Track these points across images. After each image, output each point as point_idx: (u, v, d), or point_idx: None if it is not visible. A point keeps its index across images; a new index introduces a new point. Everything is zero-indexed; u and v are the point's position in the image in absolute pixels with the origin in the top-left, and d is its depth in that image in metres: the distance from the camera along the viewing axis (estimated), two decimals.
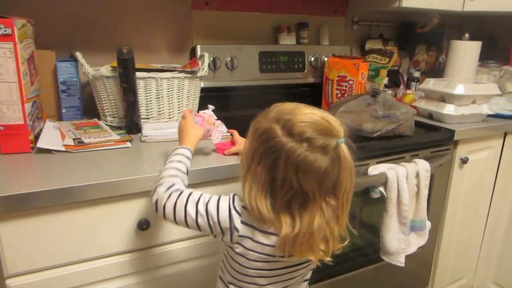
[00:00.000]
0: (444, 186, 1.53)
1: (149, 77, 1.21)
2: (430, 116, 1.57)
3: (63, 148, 1.01)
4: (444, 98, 1.51)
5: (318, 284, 1.30)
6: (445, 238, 1.63)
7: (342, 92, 1.64)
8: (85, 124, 1.22)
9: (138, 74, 1.19)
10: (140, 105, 1.23)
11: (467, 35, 1.89)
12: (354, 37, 1.94)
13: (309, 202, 0.69)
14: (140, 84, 1.21)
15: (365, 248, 1.41)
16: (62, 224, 0.85)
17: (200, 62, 1.37)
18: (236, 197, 0.77)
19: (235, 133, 1.09)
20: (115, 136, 1.13)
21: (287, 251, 0.71)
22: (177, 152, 0.86)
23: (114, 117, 1.26)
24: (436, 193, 1.49)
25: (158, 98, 1.25)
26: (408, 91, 1.86)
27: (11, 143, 0.99)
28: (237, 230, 0.74)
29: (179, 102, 1.29)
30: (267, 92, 1.67)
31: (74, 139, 1.07)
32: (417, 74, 2.03)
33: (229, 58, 1.54)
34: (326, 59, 1.71)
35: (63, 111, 1.25)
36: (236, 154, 1.03)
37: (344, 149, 0.69)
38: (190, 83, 1.30)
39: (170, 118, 1.29)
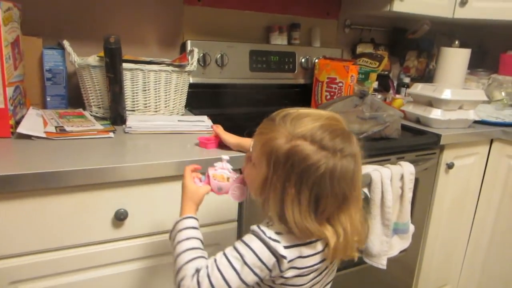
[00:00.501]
0: (429, 191, 1.53)
1: (136, 69, 1.20)
2: (418, 120, 1.58)
3: (43, 135, 0.99)
4: (431, 102, 1.52)
5: None
6: (429, 243, 1.63)
7: (332, 94, 1.64)
8: (69, 113, 1.21)
9: (125, 65, 1.18)
10: (126, 97, 1.22)
11: (457, 42, 1.91)
12: (345, 40, 1.95)
13: (344, 205, 0.70)
14: (127, 76, 1.20)
15: None
16: (38, 210, 0.84)
17: (189, 57, 1.36)
18: (262, 228, 0.69)
19: (219, 127, 1.08)
20: (98, 126, 1.12)
21: (333, 257, 0.72)
22: (179, 228, 0.74)
23: (99, 107, 1.25)
24: (421, 197, 1.49)
25: (145, 90, 1.24)
26: (397, 96, 1.87)
27: None
28: (285, 258, 0.68)
29: (166, 95, 1.28)
30: (257, 91, 1.67)
31: (56, 127, 1.06)
32: (407, 80, 2.04)
33: (219, 55, 1.54)
34: (316, 60, 1.72)
35: (48, 99, 1.24)
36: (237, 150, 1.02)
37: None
38: (178, 77, 1.29)
39: (156, 111, 1.28)
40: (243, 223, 1.10)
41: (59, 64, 1.23)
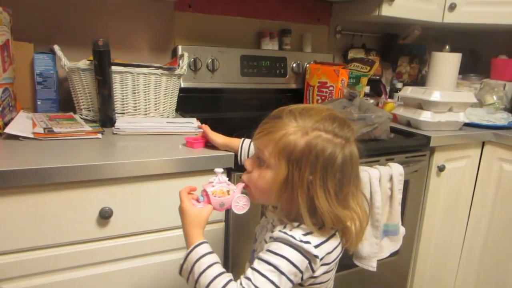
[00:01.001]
0: (421, 194, 1.53)
1: (125, 72, 1.22)
2: (408, 123, 1.59)
3: (31, 135, 1.00)
4: (421, 105, 1.52)
5: None
6: (423, 247, 1.62)
7: (323, 98, 1.66)
8: (59, 116, 1.22)
9: (114, 68, 1.19)
10: (115, 100, 1.23)
11: (447, 47, 1.93)
12: (337, 46, 1.97)
13: (355, 188, 0.73)
14: (116, 79, 1.22)
15: None
16: (20, 207, 0.84)
17: (180, 61, 1.38)
18: (290, 232, 0.68)
19: (207, 127, 1.08)
20: (87, 127, 1.13)
21: (356, 242, 0.74)
22: (195, 258, 0.69)
23: (89, 110, 1.27)
24: (413, 200, 1.49)
25: (134, 93, 1.25)
26: (389, 100, 1.88)
27: None
28: (317, 257, 0.68)
29: (156, 99, 1.30)
30: (248, 95, 1.68)
31: (44, 128, 1.07)
32: (400, 86, 2.05)
33: (210, 59, 1.55)
34: (307, 65, 1.74)
35: (38, 103, 1.25)
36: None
37: None
38: (168, 81, 1.30)
39: (146, 114, 1.29)
40: (231, 224, 1.10)
41: (49, 68, 1.25)
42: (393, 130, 1.43)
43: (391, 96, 2.04)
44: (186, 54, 1.40)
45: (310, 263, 0.68)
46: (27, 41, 1.25)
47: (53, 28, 1.37)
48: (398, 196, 1.30)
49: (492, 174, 1.63)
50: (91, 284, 0.95)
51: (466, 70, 1.97)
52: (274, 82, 1.73)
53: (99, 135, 1.09)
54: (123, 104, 1.25)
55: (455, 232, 1.72)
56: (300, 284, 0.71)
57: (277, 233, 0.69)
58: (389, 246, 1.33)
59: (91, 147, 1.01)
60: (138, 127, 1.16)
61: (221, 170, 0.77)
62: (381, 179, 1.25)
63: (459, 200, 1.66)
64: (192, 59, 1.51)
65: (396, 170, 1.29)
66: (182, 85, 1.47)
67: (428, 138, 1.43)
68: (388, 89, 2.08)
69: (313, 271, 0.69)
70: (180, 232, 0.75)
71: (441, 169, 1.52)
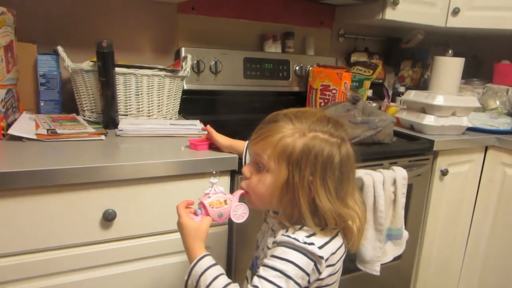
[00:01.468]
0: (424, 198, 1.53)
1: (129, 73, 1.21)
2: (412, 127, 1.58)
3: (34, 137, 1.00)
4: (424, 109, 1.52)
5: None
6: (426, 251, 1.61)
7: (326, 101, 1.65)
8: (62, 117, 1.22)
9: (118, 69, 1.19)
10: (119, 101, 1.23)
11: (450, 51, 1.93)
12: (339, 49, 1.97)
13: (350, 186, 0.73)
14: (120, 80, 1.21)
15: None
16: (23, 209, 0.84)
17: (183, 63, 1.38)
18: (293, 236, 0.68)
19: (211, 129, 1.07)
20: (90, 129, 1.12)
21: (358, 241, 0.75)
22: (200, 272, 0.69)
23: (93, 112, 1.26)
24: (416, 204, 1.48)
25: (138, 95, 1.25)
26: (392, 104, 1.88)
27: None
28: (322, 258, 0.68)
29: (159, 100, 1.29)
30: (251, 98, 1.68)
31: (48, 130, 1.06)
32: (402, 89, 2.05)
33: (213, 62, 1.55)
34: (310, 68, 1.73)
35: (41, 104, 1.25)
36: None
37: None
38: (171, 82, 1.30)
39: (149, 116, 1.29)
40: (234, 226, 1.10)
41: (53, 70, 1.25)
42: (396, 133, 1.42)
43: (393, 100, 2.03)
44: (189, 56, 1.40)
45: (315, 264, 0.68)
46: (30, 42, 1.24)
47: (57, 29, 1.37)
48: (402, 200, 1.30)
49: (495, 179, 1.63)
50: (95, 286, 0.95)
51: (469, 75, 1.97)
52: (277, 85, 1.73)
53: (102, 137, 1.09)
54: (126, 106, 1.25)
55: (457, 237, 1.71)
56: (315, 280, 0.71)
57: (280, 237, 0.69)
58: (393, 250, 1.33)
59: (94, 149, 1.00)
60: (141, 129, 1.15)
61: (216, 180, 0.76)
62: (384, 183, 1.24)
63: (462, 204, 1.66)
64: (195, 61, 1.51)
65: (399, 174, 1.28)
66: (185, 87, 1.47)
67: (431, 142, 1.43)
68: (390, 92, 2.08)
69: (319, 272, 0.69)
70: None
71: (444, 173, 1.52)
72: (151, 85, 1.26)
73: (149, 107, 1.28)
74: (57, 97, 1.27)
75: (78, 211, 0.89)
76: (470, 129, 1.59)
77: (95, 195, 0.90)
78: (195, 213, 0.76)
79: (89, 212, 0.90)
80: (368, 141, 1.32)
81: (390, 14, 1.61)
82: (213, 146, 1.05)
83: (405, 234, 1.35)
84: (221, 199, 0.76)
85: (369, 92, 1.83)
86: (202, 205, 0.75)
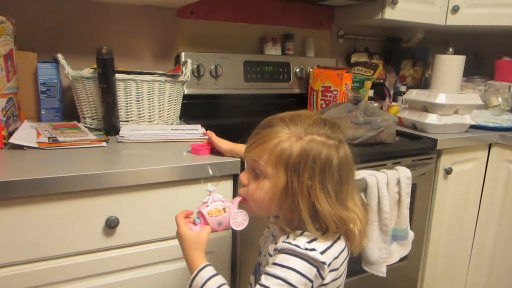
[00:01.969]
0: (428, 197, 1.51)
1: (129, 79, 1.21)
2: (414, 126, 1.57)
3: (36, 145, 1.00)
4: (426, 108, 1.51)
5: None
6: (431, 251, 1.60)
7: (327, 102, 1.65)
8: (63, 125, 1.22)
9: (118, 76, 1.19)
10: (120, 108, 1.22)
11: (451, 49, 1.93)
12: (339, 50, 1.97)
13: (350, 188, 0.72)
14: (120, 86, 1.21)
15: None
16: (26, 218, 0.83)
17: (183, 68, 1.38)
18: (294, 242, 0.67)
19: (212, 134, 1.07)
20: (91, 136, 1.12)
21: (360, 243, 0.74)
22: (201, 283, 0.69)
23: (93, 119, 1.26)
24: (420, 204, 1.47)
25: (138, 101, 1.25)
26: (393, 103, 1.87)
27: None
28: (325, 263, 0.67)
29: (160, 106, 1.29)
30: (252, 101, 1.68)
31: (49, 138, 1.06)
32: (403, 89, 2.04)
33: (214, 66, 1.55)
34: (311, 70, 1.73)
35: (42, 112, 1.25)
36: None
37: None
38: (171, 88, 1.30)
39: (150, 121, 1.29)
40: (237, 231, 1.08)
41: (53, 78, 1.24)
42: (398, 133, 1.41)
43: (395, 100, 2.03)
44: (189, 61, 1.40)
45: (318, 270, 0.66)
46: (30, 51, 1.24)
47: (56, 37, 1.37)
48: (406, 200, 1.29)
49: (499, 176, 1.61)
50: None
51: (470, 72, 1.96)
52: (278, 87, 1.72)
53: (104, 144, 1.08)
54: (127, 112, 1.25)
55: (463, 236, 1.70)
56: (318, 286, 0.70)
57: (281, 244, 0.68)
58: (398, 251, 1.31)
59: (96, 156, 1.00)
60: (142, 135, 1.15)
61: (213, 188, 0.75)
62: (388, 183, 1.23)
63: (467, 203, 1.65)
64: (195, 66, 1.51)
65: (403, 173, 1.27)
66: (185, 92, 1.47)
67: (434, 141, 1.42)
68: (391, 92, 2.07)
69: (323, 278, 0.67)
70: None
71: (448, 172, 1.51)
72: (152, 91, 1.25)
73: (150, 112, 1.28)
74: (58, 105, 1.27)
75: (81, 219, 0.88)
76: (473, 126, 1.58)
77: (97, 202, 0.89)
78: (194, 223, 0.75)
79: (92, 219, 0.90)
80: (371, 142, 1.31)
81: (390, 14, 1.60)
82: (215, 150, 1.05)
83: (411, 234, 1.34)
84: (219, 207, 0.75)
85: (370, 92, 1.83)
86: (200, 214, 0.75)
